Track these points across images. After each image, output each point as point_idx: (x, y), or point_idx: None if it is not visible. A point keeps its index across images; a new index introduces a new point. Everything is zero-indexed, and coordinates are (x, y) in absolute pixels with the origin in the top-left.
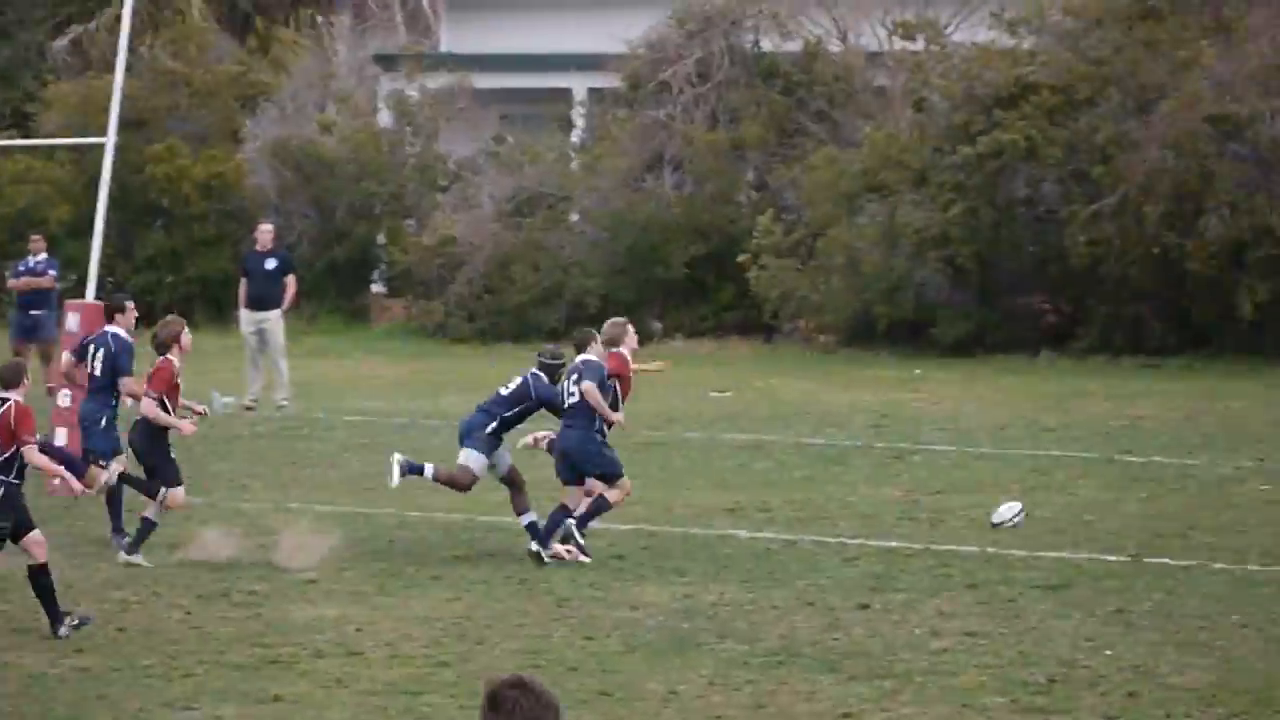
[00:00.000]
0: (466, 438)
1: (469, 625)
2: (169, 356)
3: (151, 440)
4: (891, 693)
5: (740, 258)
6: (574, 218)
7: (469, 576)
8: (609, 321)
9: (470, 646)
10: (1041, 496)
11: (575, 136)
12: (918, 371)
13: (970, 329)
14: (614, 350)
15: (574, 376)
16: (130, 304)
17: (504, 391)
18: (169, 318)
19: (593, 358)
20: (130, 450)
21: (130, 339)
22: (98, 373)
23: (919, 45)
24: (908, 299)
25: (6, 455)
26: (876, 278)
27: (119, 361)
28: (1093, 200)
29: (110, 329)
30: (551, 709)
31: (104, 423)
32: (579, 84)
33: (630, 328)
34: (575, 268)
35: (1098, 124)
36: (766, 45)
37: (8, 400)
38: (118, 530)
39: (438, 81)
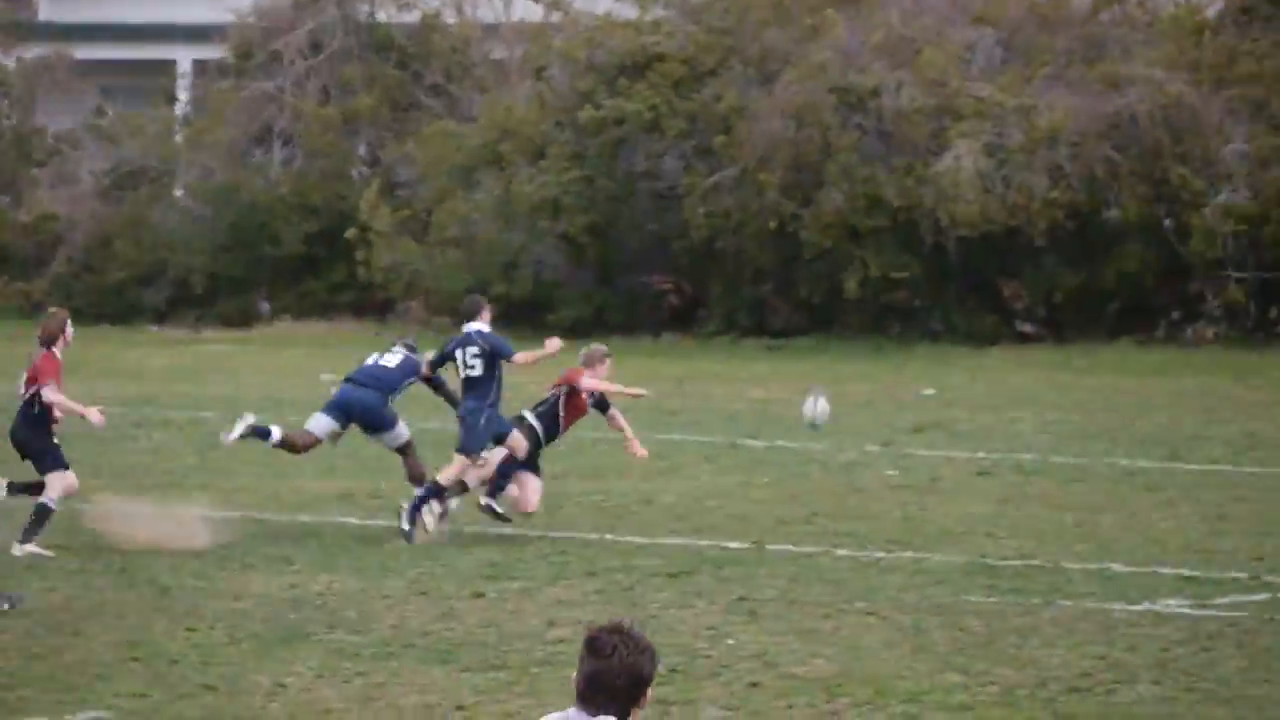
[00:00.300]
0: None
1: (65, 617)
2: (54, 349)
3: (34, 430)
4: (506, 684)
5: (349, 233)
6: (178, 193)
7: (66, 565)
8: (594, 346)
9: (66, 639)
10: (663, 482)
11: (179, 110)
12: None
13: (590, 310)
14: (588, 370)
15: (473, 349)
16: None
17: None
18: (53, 310)
19: (485, 327)
20: (13, 444)
21: None
22: None
23: (539, 14)
24: (525, 276)
25: None
26: (491, 253)
27: None
28: (713, 173)
29: None
30: (647, 652)
31: None
32: (184, 55)
33: (609, 361)
34: (180, 245)
35: (721, 93)
36: (382, 16)
37: None
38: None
39: (35, 52)
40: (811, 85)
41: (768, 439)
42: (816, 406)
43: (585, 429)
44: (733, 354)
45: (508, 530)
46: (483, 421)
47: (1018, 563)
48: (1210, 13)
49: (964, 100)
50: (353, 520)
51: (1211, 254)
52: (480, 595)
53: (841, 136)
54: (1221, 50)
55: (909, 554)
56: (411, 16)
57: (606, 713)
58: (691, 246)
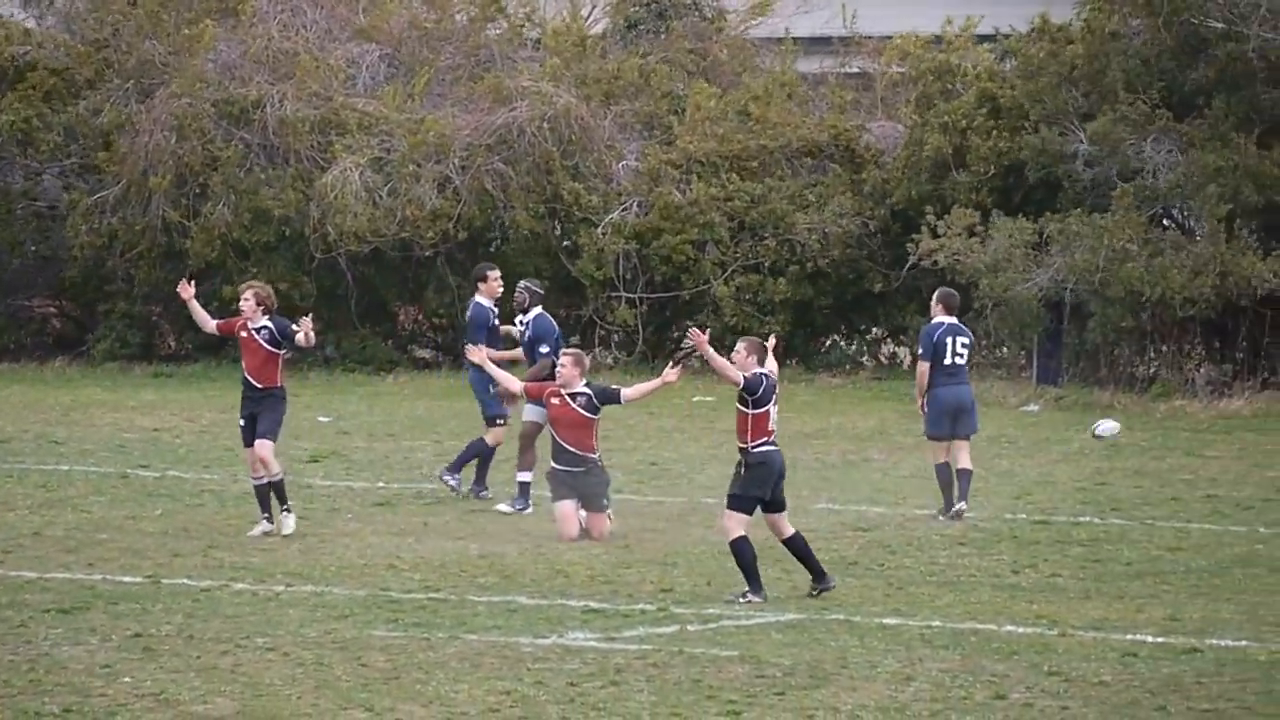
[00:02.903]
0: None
1: None
2: None
3: None
4: None
5: None
6: None
7: None
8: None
9: None
10: (53, 514)
11: None
12: None
13: None
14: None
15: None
16: None
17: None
18: None
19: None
20: None
21: None
22: None
23: None
24: None
25: None
26: None
27: None
28: (95, 191)
29: None
30: None
31: None
32: None
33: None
34: None
35: (99, 106)
36: None
37: None
38: None
39: None
40: (192, 98)
41: (159, 469)
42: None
43: None
44: (123, 381)
45: None
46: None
47: (422, 596)
48: (597, 28)
49: (349, 114)
50: None
51: (602, 274)
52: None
53: (227, 149)
54: (607, 66)
55: (310, 588)
56: None
57: None
58: (75, 268)
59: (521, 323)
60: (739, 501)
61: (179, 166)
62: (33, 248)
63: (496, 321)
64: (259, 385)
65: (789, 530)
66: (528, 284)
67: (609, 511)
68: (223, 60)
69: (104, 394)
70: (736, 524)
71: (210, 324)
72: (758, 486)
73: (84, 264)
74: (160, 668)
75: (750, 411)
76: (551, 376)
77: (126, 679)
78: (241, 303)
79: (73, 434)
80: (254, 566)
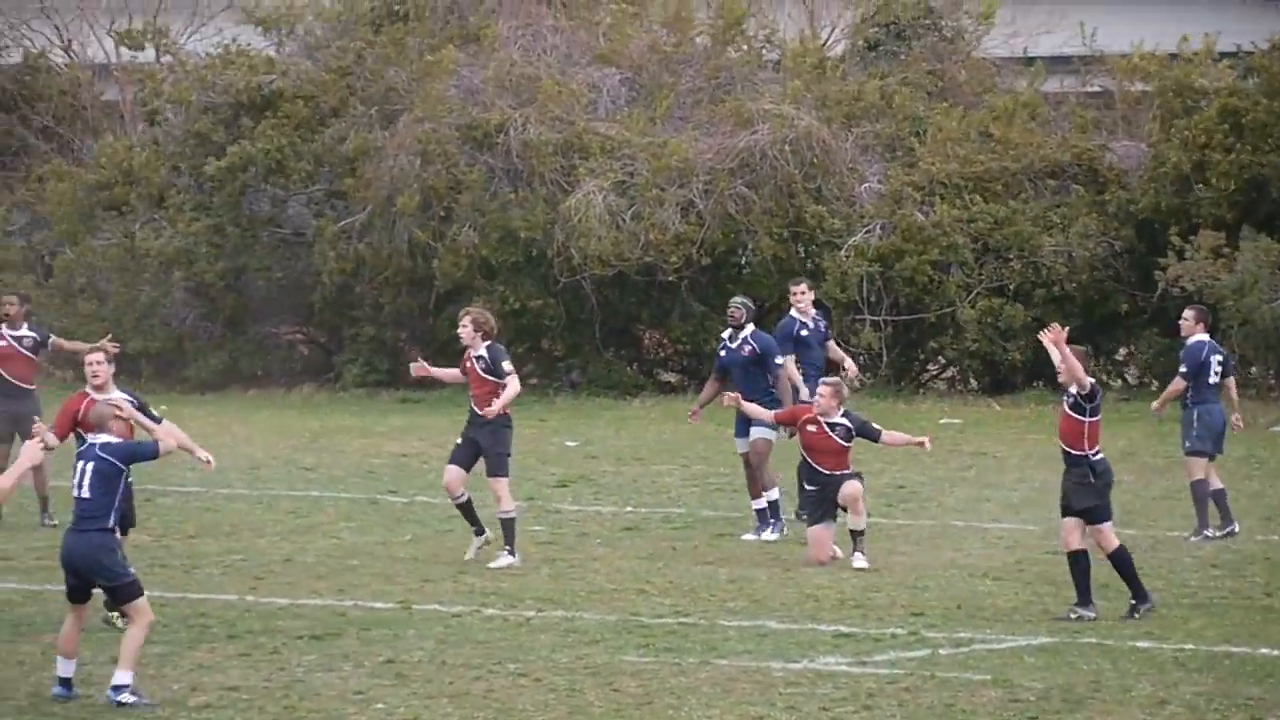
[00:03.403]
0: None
1: None
2: None
3: None
4: None
5: None
6: None
7: None
8: None
9: None
10: (304, 540)
11: None
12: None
13: (222, 361)
14: None
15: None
16: None
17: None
18: None
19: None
20: None
21: None
22: None
23: (149, 55)
24: (157, 328)
25: None
26: (123, 307)
27: None
28: (342, 217)
29: None
30: None
31: None
32: None
33: None
34: None
35: (345, 134)
36: None
37: None
38: None
39: None
40: (435, 122)
41: (408, 495)
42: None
43: (219, 484)
44: (370, 407)
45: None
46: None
47: (672, 621)
48: (836, 50)
49: (591, 138)
50: None
51: (846, 296)
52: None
53: (470, 173)
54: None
55: (560, 613)
56: (14, 57)
57: None
58: (322, 295)
59: (734, 339)
60: (1105, 510)
61: (424, 190)
62: (279, 274)
63: (806, 332)
64: (477, 412)
65: (1115, 543)
66: (743, 300)
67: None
68: (465, 85)
69: (352, 420)
70: (1110, 535)
71: (455, 373)
72: (1108, 493)
73: (331, 289)
74: (413, 694)
75: (1086, 420)
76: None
77: (379, 705)
78: (460, 329)
79: (321, 460)
80: (504, 592)
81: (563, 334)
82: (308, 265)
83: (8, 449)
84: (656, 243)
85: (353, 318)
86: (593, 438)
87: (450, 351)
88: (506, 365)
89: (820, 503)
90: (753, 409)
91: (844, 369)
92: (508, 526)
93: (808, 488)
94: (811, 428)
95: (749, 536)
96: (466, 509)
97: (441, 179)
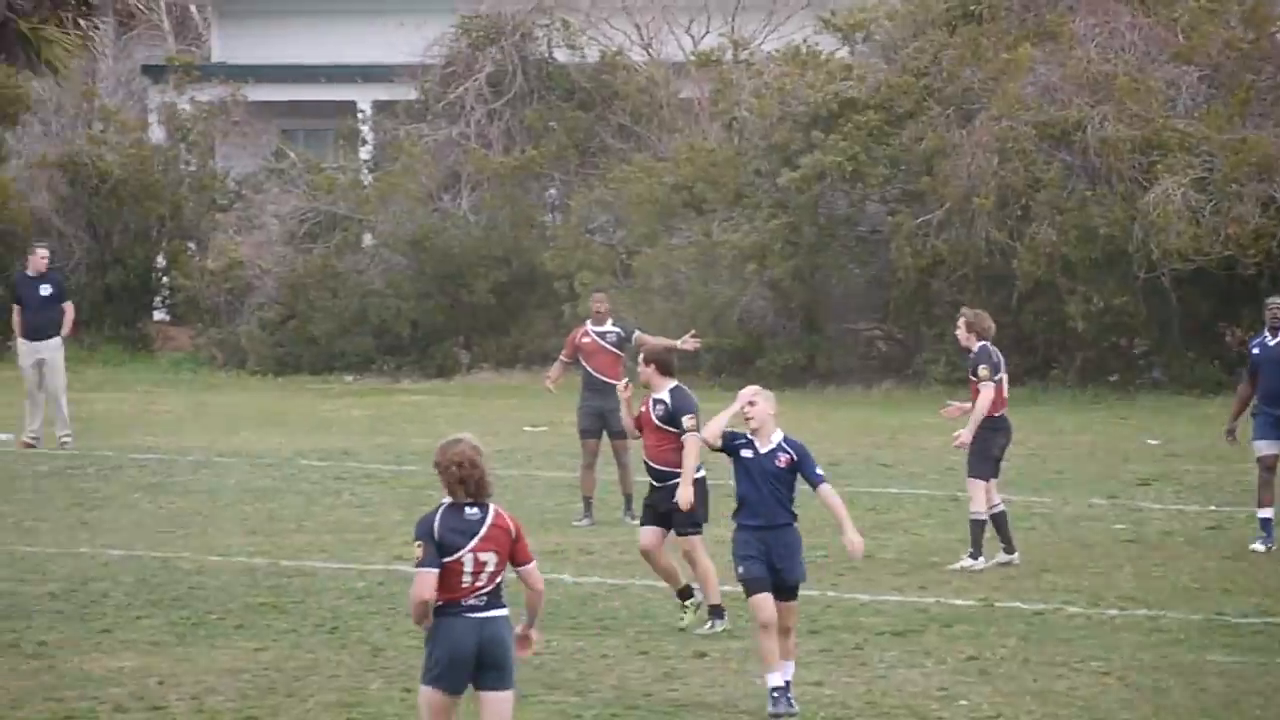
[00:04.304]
0: None
1: (278, 677)
2: None
3: None
4: None
5: (556, 283)
6: (367, 240)
7: (276, 625)
8: None
9: (280, 699)
10: (884, 537)
11: (365, 153)
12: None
13: (799, 357)
14: None
15: None
16: None
17: None
18: None
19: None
20: None
21: None
22: None
23: (726, 59)
24: (732, 325)
25: None
26: (699, 304)
27: None
28: (918, 215)
29: None
30: None
31: None
32: (363, 96)
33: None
34: (376, 294)
35: (921, 135)
36: (561, 56)
37: None
38: None
39: (210, 93)
40: (1012, 121)
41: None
42: None
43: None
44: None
45: (725, 588)
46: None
47: (1258, 621)
48: None
49: (1169, 134)
50: (566, 577)
51: None
52: (703, 655)
53: (1048, 171)
54: None
55: (1143, 611)
56: (592, 56)
57: None
58: (899, 290)
59: (1273, 338)
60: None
61: (1001, 188)
62: (857, 271)
63: None
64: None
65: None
66: None
67: None
68: (1041, 83)
69: (929, 416)
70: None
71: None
72: None
73: (908, 287)
74: (996, 691)
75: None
76: None
77: (963, 701)
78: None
79: (901, 457)
80: (1086, 590)
81: (1143, 330)
82: (884, 262)
83: (596, 444)
84: (1235, 237)
85: (932, 315)
86: (1175, 435)
87: (1024, 349)
88: None
89: None
90: None
91: None
92: (995, 521)
93: None
94: None
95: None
96: (998, 520)
97: (1019, 177)
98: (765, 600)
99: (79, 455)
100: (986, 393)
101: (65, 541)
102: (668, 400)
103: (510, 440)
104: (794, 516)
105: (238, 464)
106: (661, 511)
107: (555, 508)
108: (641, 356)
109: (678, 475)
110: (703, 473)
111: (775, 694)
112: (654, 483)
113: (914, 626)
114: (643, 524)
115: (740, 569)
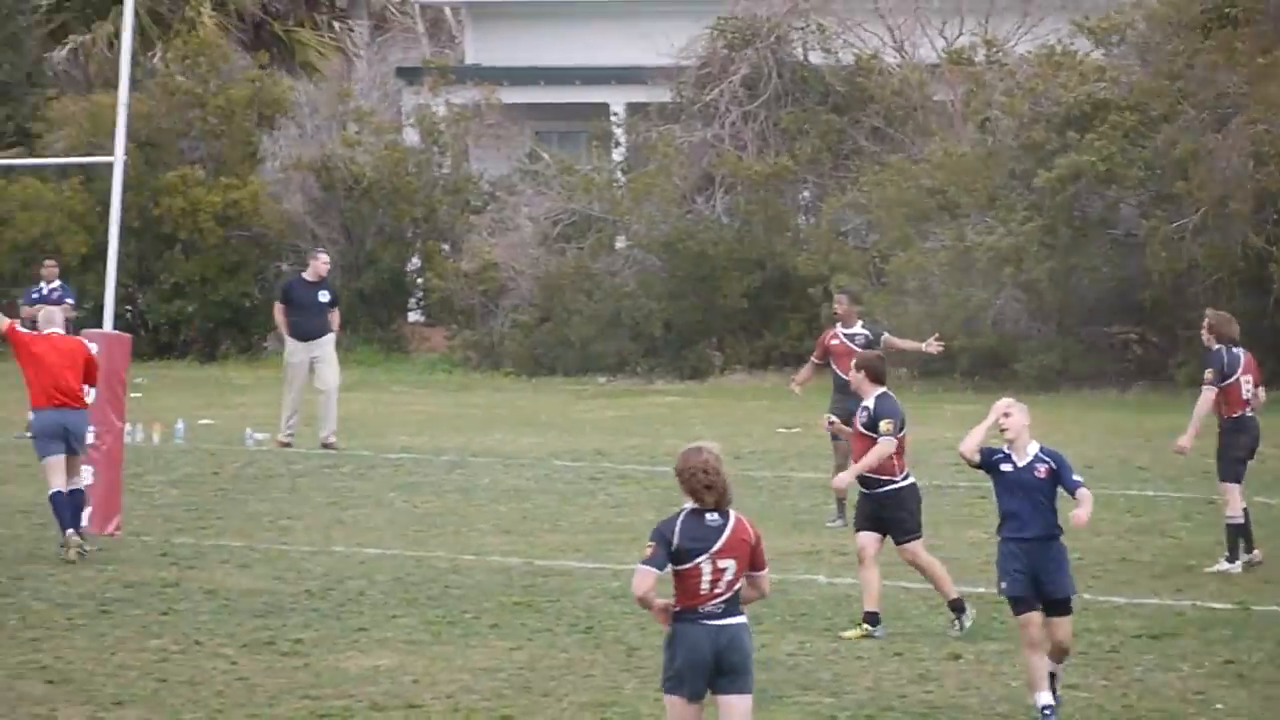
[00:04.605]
0: None
1: (533, 676)
2: None
3: None
4: None
5: (811, 289)
6: (620, 242)
7: (531, 624)
8: None
9: (536, 699)
10: (1139, 540)
11: (618, 155)
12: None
13: (1053, 360)
14: None
15: None
16: None
17: None
18: None
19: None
20: None
21: None
22: None
23: (979, 60)
24: (985, 328)
25: None
26: (953, 307)
27: None
28: (1173, 219)
29: None
30: None
31: None
32: (617, 98)
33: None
34: (630, 296)
35: (1176, 138)
36: (816, 59)
37: None
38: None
39: (464, 96)
40: (1268, 124)
41: (1246, 497)
42: None
43: None
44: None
45: (980, 589)
46: None
47: None
48: None
49: None
50: (820, 578)
51: None
52: (957, 657)
53: None
54: None
55: None
56: (846, 58)
57: None
58: (1152, 294)
59: None
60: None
61: (1258, 193)
62: (1109, 274)
63: None
64: None
65: None
66: None
67: None
68: None
69: (1185, 420)
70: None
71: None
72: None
73: (1163, 290)
74: (1251, 695)
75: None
76: None
77: (1219, 705)
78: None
79: (1157, 459)
80: None
81: None
82: (1137, 265)
83: (846, 445)
84: None
85: (1187, 319)
86: None
87: None
88: None
89: None
90: None
91: None
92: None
93: None
94: None
95: None
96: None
97: (1276, 181)
98: (1031, 619)
99: (336, 455)
100: (1205, 395)
101: (321, 540)
102: (871, 406)
103: (764, 442)
104: (1060, 530)
105: (492, 464)
106: (878, 518)
107: (810, 509)
108: (854, 362)
109: (886, 482)
110: (911, 479)
111: (1046, 711)
112: (863, 490)
113: (1170, 630)
114: (858, 529)
115: (1003, 584)
